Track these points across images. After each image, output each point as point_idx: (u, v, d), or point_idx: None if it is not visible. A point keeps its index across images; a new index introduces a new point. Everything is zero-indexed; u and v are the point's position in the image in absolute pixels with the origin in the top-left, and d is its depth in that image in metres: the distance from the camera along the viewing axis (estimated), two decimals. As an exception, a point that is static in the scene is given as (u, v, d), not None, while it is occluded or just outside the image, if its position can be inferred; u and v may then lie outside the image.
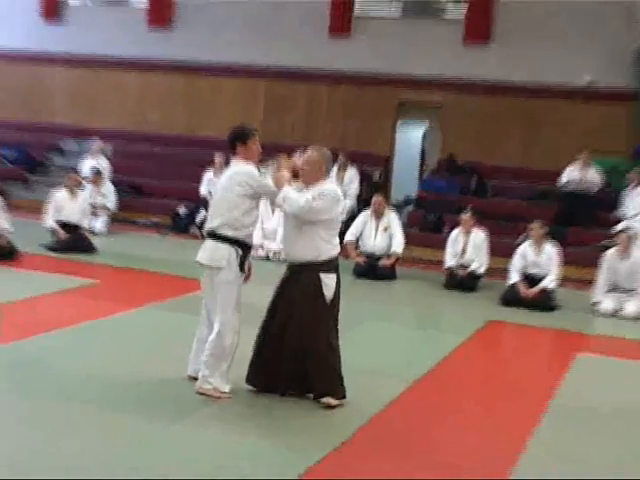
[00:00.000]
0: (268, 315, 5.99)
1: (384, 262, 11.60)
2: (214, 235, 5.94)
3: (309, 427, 5.54)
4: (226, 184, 6.01)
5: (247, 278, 6.07)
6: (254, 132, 6.18)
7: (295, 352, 5.81)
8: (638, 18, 12.48)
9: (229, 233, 5.88)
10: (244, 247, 5.95)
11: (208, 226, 6.07)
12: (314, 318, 5.74)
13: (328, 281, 5.72)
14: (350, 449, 5.21)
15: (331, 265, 5.83)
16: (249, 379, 6.03)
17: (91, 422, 5.29)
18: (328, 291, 5.72)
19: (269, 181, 5.89)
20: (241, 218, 5.88)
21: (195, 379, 6.08)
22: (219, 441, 5.15)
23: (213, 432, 5.29)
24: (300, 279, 5.76)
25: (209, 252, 5.93)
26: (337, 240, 6.03)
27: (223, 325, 5.90)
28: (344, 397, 5.90)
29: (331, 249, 5.85)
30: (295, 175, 5.99)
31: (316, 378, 5.87)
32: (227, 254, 5.85)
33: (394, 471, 4.95)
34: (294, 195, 5.73)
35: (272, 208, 11.69)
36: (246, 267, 5.99)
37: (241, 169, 5.98)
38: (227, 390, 5.95)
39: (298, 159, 6.00)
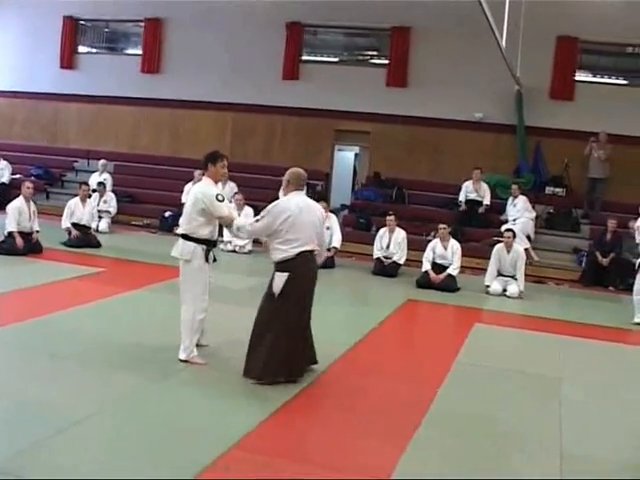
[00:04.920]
0: None
1: (326, 254, 11.63)
2: (183, 236, 5.87)
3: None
4: (190, 200, 5.87)
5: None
6: (223, 157, 5.96)
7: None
8: (514, 68, 12.62)
9: (193, 236, 5.78)
10: (208, 243, 5.81)
11: (178, 230, 6.00)
12: (262, 306, 5.53)
13: (277, 279, 5.42)
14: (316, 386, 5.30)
15: (284, 266, 5.41)
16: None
17: (94, 376, 5.37)
18: (275, 287, 5.42)
19: (223, 207, 5.70)
20: (197, 229, 5.76)
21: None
22: (187, 399, 5.10)
23: (187, 391, 5.25)
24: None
25: (179, 248, 5.85)
26: (292, 246, 5.42)
27: (185, 303, 5.83)
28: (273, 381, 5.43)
29: (282, 253, 5.41)
30: None
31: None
32: (192, 250, 5.76)
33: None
34: (241, 223, 5.55)
35: (238, 212, 11.57)
36: (210, 259, 5.83)
37: (203, 189, 5.81)
38: (197, 355, 5.83)
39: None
